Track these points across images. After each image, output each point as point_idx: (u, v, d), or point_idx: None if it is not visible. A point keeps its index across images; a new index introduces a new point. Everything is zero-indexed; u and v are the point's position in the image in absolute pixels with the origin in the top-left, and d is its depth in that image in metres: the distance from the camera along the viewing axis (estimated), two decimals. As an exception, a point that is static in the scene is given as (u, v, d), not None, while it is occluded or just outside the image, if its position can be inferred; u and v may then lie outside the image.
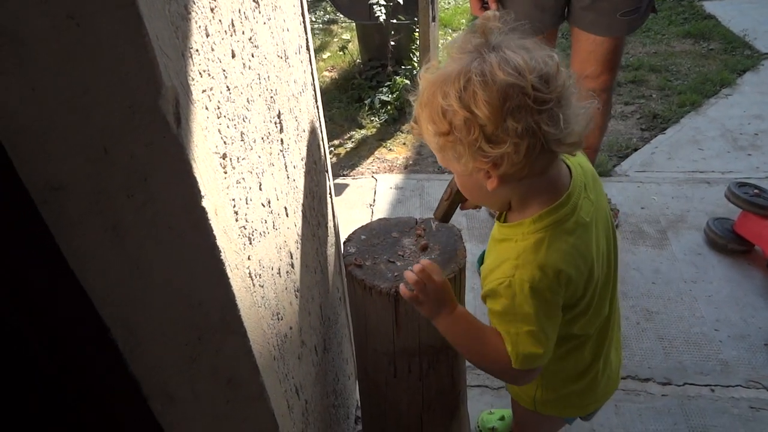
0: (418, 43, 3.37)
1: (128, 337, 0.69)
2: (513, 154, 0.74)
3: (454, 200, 1.08)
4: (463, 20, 4.39)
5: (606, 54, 1.90)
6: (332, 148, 3.05)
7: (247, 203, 0.69)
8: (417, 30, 3.33)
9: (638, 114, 3.12)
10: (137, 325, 0.67)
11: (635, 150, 2.83)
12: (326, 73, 3.78)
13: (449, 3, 4.73)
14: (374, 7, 3.07)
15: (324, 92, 3.56)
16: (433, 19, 3.13)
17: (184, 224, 0.56)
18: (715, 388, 1.71)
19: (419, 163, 2.89)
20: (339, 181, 2.76)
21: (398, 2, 3.14)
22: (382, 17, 3.09)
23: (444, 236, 1.20)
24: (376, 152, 3.00)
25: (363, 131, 3.18)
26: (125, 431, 0.83)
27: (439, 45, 3.45)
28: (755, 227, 2.09)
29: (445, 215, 1.11)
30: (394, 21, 3.28)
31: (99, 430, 0.84)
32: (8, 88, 0.47)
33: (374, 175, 2.79)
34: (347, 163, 2.92)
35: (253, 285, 0.72)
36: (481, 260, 1.38)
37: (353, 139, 3.11)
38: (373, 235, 1.21)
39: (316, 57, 4.01)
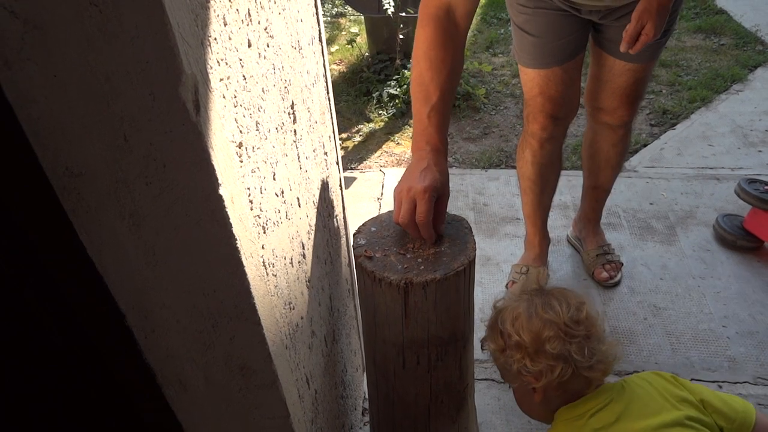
0: (426, 36, 3.35)
1: (143, 323, 0.69)
2: (549, 372, 0.97)
3: None
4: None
5: (626, 88, 1.63)
6: (340, 142, 3.05)
7: (261, 193, 0.70)
8: (426, 23, 3.31)
9: (648, 109, 3.10)
10: (152, 312, 0.68)
11: (644, 146, 2.82)
12: (334, 66, 3.78)
13: (458, -4, 4.71)
14: (383, 0, 3.06)
15: (332, 85, 3.55)
16: (443, 13, 3.12)
17: (201, 212, 0.57)
18: (722, 384, 1.71)
19: (427, 157, 2.88)
20: (347, 174, 2.76)
21: (407, -5, 3.14)
22: (391, 10, 3.09)
23: (454, 229, 1.20)
24: (384, 146, 3.00)
25: (371, 125, 3.18)
26: (139, 418, 0.84)
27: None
28: (765, 223, 2.08)
29: None
30: (403, 14, 3.28)
31: (113, 418, 0.85)
32: (30, 75, 0.48)
33: (382, 169, 2.80)
34: (355, 157, 2.92)
35: (267, 274, 0.72)
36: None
37: (361, 133, 3.11)
38: (383, 227, 1.22)
39: (324, 50, 3.98)
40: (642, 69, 1.62)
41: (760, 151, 2.71)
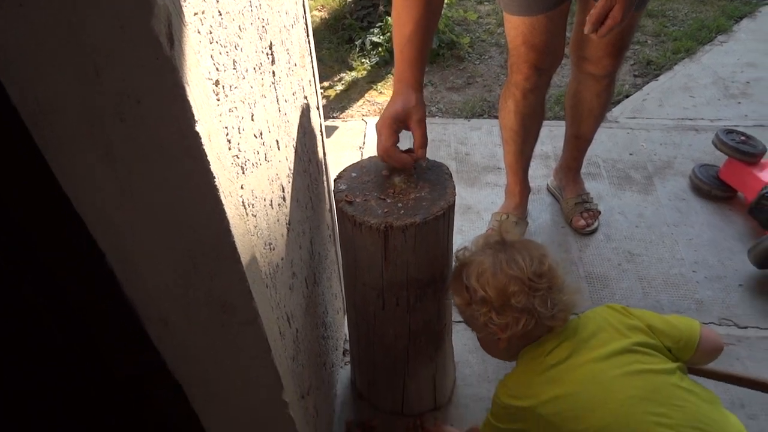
0: (411, -20, 3.26)
1: (123, 263, 0.70)
2: (514, 325, 1.02)
3: None
4: None
5: (615, 35, 1.47)
6: (322, 90, 3.00)
7: (239, 132, 0.70)
8: (410, -33, 3.21)
9: (632, 60, 3.09)
10: (132, 252, 0.69)
11: (627, 96, 2.82)
12: (316, 13, 3.67)
13: (444, -61, 4.55)
14: (366, -60, 2.96)
15: (314, 32, 3.46)
16: (427, -45, 3.02)
17: (177, 149, 0.57)
18: (689, 326, 1.79)
19: (410, 106, 2.86)
20: (329, 123, 2.74)
21: (391, -64, 3.02)
22: (375, -48, 2.98)
23: (434, 174, 1.21)
24: (366, 95, 2.96)
25: (353, 73, 3.13)
26: (124, 356, 0.86)
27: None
28: (739, 174, 2.13)
29: None
30: (387, -44, 3.17)
31: (98, 357, 0.87)
32: (-4, 4, 0.47)
33: (364, 118, 2.77)
34: (337, 106, 2.89)
35: (246, 214, 0.73)
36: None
37: (343, 81, 3.06)
38: (364, 172, 1.22)
39: (305, -6, 3.85)
40: (629, 18, 1.58)
41: (739, 102, 2.74)
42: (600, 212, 2.15)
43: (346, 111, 2.84)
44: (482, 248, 1.11)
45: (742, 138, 2.13)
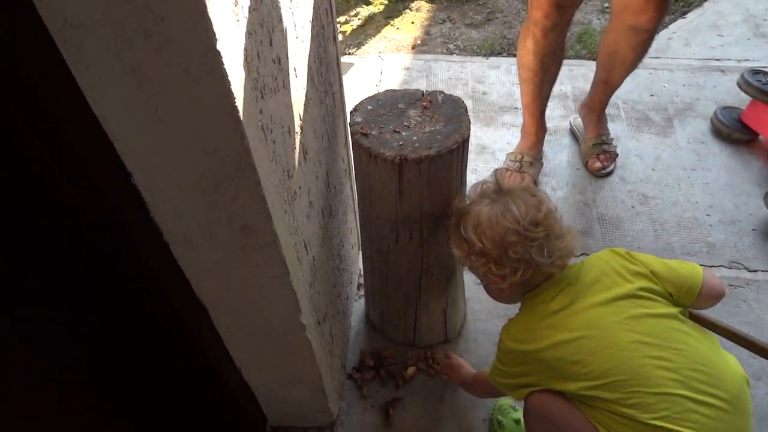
0: None
1: (149, 182, 0.73)
2: (512, 275, 1.03)
3: None
4: None
5: None
6: (338, 25, 2.94)
7: (258, 57, 0.70)
8: None
9: (660, -4, 2.96)
10: (157, 171, 0.72)
11: (652, 35, 2.73)
12: (332, -57, 3.54)
13: None
14: None
15: (330, -36, 3.36)
16: None
17: (200, 68, 0.58)
18: (698, 267, 1.81)
19: (427, 43, 2.81)
20: (345, 59, 2.70)
21: None
22: None
23: (449, 108, 1.21)
24: (383, 31, 2.90)
25: (370, 8, 3.05)
26: (151, 273, 0.90)
27: None
28: (763, 116, 2.09)
29: None
30: None
31: (125, 272, 0.92)
32: None
33: (381, 55, 2.73)
34: (353, 42, 2.84)
35: (266, 139, 0.75)
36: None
37: (360, 16, 2.99)
38: (380, 105, 1.23)
39: (321, -77, 3.70)
40: None
41: (770, 42, 2.64)
42: (617, 155, 2.13)
43: (362, 47, 2.80)
44: (479, 198, 1.10)
45: (769, 79, 2.07)
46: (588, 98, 2.13)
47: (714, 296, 1.12)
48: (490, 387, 1.22)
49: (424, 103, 1.23)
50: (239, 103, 0.63)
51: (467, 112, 1.21)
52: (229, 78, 0.60)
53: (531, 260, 1.01)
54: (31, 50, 0.58)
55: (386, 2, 3.07)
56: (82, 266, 0.91)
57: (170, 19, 0.54)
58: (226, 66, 0.59)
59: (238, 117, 0.64)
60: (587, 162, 2.11)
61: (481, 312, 1.73)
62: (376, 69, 2.63)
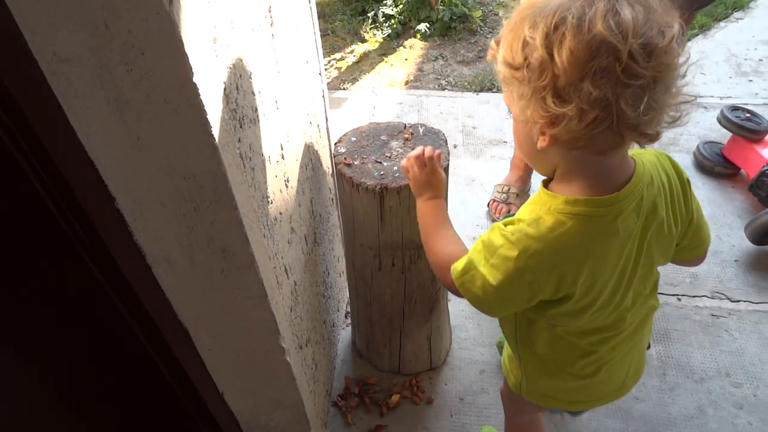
0: (424, -47, 3.26)
1: (132, 206, 0.77)
2: (575, 120, 0.65)
3: None
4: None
5: None
6: (334, 62, 3.04)
7: (237, 89, 0.75)
8: (424, -61, 3.21)
9: (645, 36, 3.07)
10: (140, 196, 0.76)
11: (637, 72, 2.82)
12: (330, -16, 3.68)
13: None
14: None
15: (327, 4, 3.49)
16: (441, -73, 3.02)
17: (178, 99, 0.63)
18: (681, 297, 1.83)
19: (420, 79, 2.89)
20: (339, 94, 2.78)
21: None
22: (388, -77, 2.98)
23: (430, 140, 1.26)
24: (377, 67, 2.99)
25: (365, 45, 3.15)
26: (134, 297, 0.93)
27: (447, -44, 3.33)
28: (742, 151, 2.14)
29: None
30: (401, -72, 3.17)
31: (108, 295, 0.95)
32: (16, -38, 0.53)
33: (374, 90, 2.81)
34: (348, 77, 2.92)
35: (244, 166, 0.79)
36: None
37: (355, 53, 3.09)
38: (363, 137, 1.28)
39: (319, -35, 3.86)
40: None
41: (751, 80, 2.72)
42: None
43: (357, 83, 2.88)
44: None
45: (747, 115, 2.14)
46: None
47: (700, 262, 1.01)
48: (445, 276, 0.90)
49: (406, 135, 1.28)
50: (216, 131, 0.67)
51: (447, 143, 1.26)
52: (206, 108, 0.64)
53: (612, 107, 0.64)
54: (23, 82, 0.63)
55: (381, 40, 3.17)
56: (67, 288, 0.94)
57: (150, 54, 0.59)
58: (202, 97, 0.63)
59: (215, 145, 0.68)
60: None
61: (467, 340, 1.74)
62: (369, 103, 2.70)
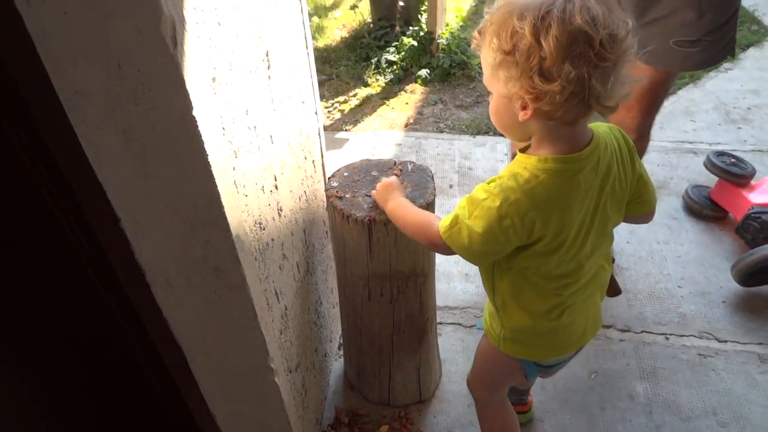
0: (427, 5, 3.44)
1: (135, 226, 0.85)
2: (557, 95, 0.81)
3: None
4: (476, -15, 4.41)
5: (642, 87, 1.52)
6: (337, 104, 3.18)
7: (233, 123, 0.84)
8: (426, -8, 3.40)
9: (637, 84, 3.19)
10: (142, 217, 0.83)
11: (629, 119, 2.92)
12: (337, 32, 3.87)
13: (464, -34, 4.75)
14: (384, -34, 3.14)
15: (333, 50, 3.66)
16: (442, -18, 3.20)
17: (178, 130, 0.71)
18: (669, 336, 1.87)
19: (420, 122, 3.01)
20: (341, 135, 2.90)
21: (408, -37, 3.21)
22: (392, -23, 3.17)
23: (417, 176, 1.34)
24: (379, 110, 3.12)
25: (368, 89, 3.29)
26: (135, 316, 1.00)
27: (446, 9, 3.52)
28: (729, 195, 2.21)
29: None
30: (404, -18, 3.36)
31: (110, 311, 1.01)
32: (46, 13, 0.62)
33: (375, 132, 2.93)
34: (350, 119, 3.05)
35: (238, 192, 0.87)
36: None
37: (358, 97, 3.23)
38: (355, 172, 1.36)
39: (327, 15, 4.08)
40: (663, 75, 1.55)
41: (739, 128, 2.81)
42: (614, 260, 2.08)
43: (359, 124, 3.00)
44: None
45: (732, 160, 2.22)
46: None
47: (648, 220, 1.19)
48: (430, 237, 1.06)
49: (396, 171, 1.36)
50: (211, 158, 0.75)
51: (434, 179, 1.34)
52: (203, 138, 0.73)
53: (585, 84, 0.80)
54: (44, 112, 0.72)
55: (383, 84, 3.32)
56: (72, 304, 1.01)
57: (156, 90, 0.68)
58: (200, 129, 0.72)
59: (210, 171, 0.76)
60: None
61: (457, 374, 1.77)
62: (369, 144, 2.81)
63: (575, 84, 0.80)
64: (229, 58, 0.80)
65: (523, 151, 0.99)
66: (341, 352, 1.84)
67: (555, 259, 1.01)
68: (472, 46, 0.93)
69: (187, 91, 0.68)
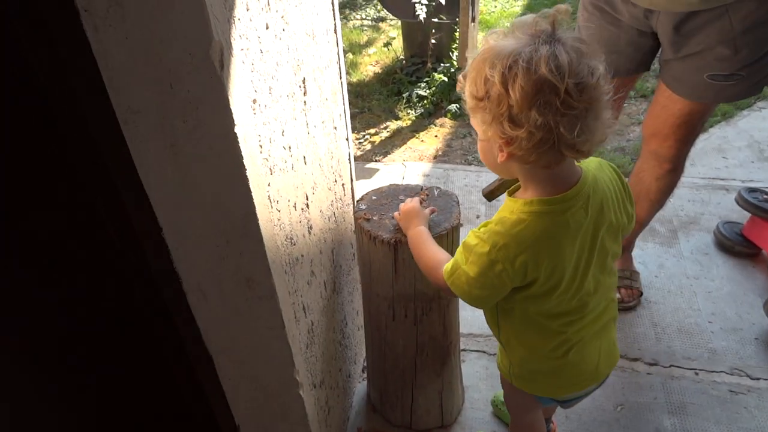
0: (458, 42, 3.54)
1: (175, 236, 0.91)
2: (525, 140, 0.84)
3: (504, 184, 1.18)
4: (507, 23, 4.52)
5: (678, 117, 1.58)
6: (368, 136, 3.27)
7: (270, 142, 0.90)
8: (457, 30, 3.50)
9: (667, 121, 3.19)
10: (182, 226, 0.90)
11: (659, 154, 2.92)
12: (370, 68, 4.00)
13: (495, 6, 4.88)
14: (415, 5, 3.27)
15: (366, 85, 3.78)
16: (473, 20, 3.31)
17: (221, 146, 0.78)
18: (699, 372, 1.83)
19: (448, 155, 3.07)
20: (371, 165, 2.98)
21: (440, 2, 3.32)
22: (423, 15, 3.28)
23: (443, 201, 1.39)
24: (408, 142, 3.20)
25: (399, 122, 3.38)
26: (170, 321, 1.06)
27: (478, 45, 3.61)
28: (762, 231, 2.18)
29: (490, 193, 1.23)
30: (435, 20, 3.47)
31: (150, 319, 1.07)
32: (110, 36, 0.70)
33: (404, 163, 2.99)
34: (381, 151, 3.13)
35: (271, 206, 0.93)
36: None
37: (388, 129, 3.32)
38: (383, 196, 1.41)
39: (362, 52, 4.22)
40: (698, 106, 1.57)
41: (773, 165, 2.78)
42: (641, 293, 2.07)
43: (389, 156, 3.08)
44: (522, 33, 0.85)
45: (765, 196, 2.19)
46: None
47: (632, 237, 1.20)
48: (437, 280, 1.11)
49: (422, 196, 1.41)
50: (249, 173, 0.82)
51: (459, 204, 1.38)
52: (243, 154, 0.79)
53: (554, 131, 0.82)
54: (101, 126, 0.79)
55: (414, 118, 3.40)
56: (114, 312, 1.07)
57: (202, 108, 0.75)
58: (241, 145, 0.78)
59: (248, 185, 0.82)
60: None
61: (480, 401, 1.77)
62: (398, 174, 2.88)
63: (543, 131, 0.82)
64: (269, 82, 0.88)
65: (511, 194, 1.02)
66: (365, 375, 1.86)
67: (554, 298, 1.02)
68: (457, 89, 0.97)
69: (230, 110, 0.74)
